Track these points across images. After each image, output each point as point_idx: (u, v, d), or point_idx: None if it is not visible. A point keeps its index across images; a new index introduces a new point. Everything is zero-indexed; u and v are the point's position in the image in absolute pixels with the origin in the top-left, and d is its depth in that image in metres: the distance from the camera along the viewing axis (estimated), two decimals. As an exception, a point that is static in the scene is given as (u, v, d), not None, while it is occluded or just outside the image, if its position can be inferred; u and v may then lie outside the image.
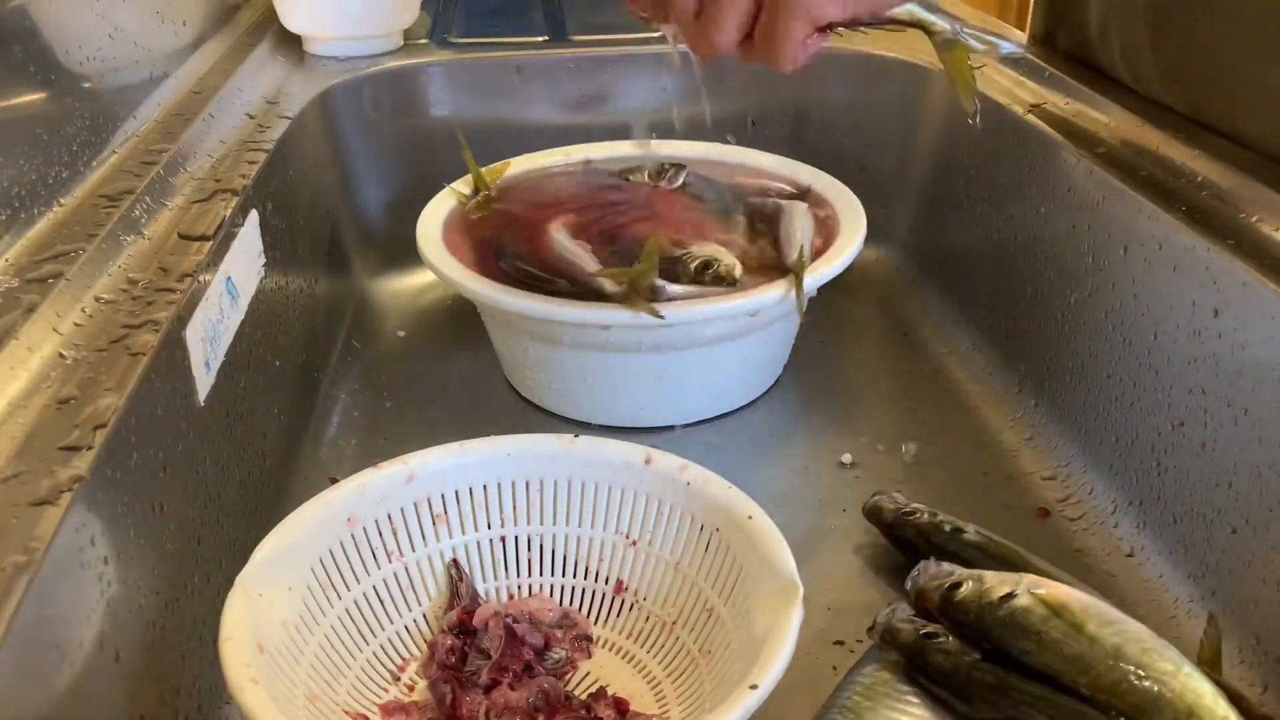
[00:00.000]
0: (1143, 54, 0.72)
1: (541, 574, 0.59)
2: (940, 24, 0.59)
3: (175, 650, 0.50)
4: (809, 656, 0.56)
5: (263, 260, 0.68)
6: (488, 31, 1.03)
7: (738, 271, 0.69)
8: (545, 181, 0.84)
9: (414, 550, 0.57)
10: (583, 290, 0.68)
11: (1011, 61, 0.87)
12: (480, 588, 0.58)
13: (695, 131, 0.89)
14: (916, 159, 0.93)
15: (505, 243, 0.75)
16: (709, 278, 0.69)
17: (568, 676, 0.54)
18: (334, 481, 0.57)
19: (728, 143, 0.87)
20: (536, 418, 0.77)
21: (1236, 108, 0.66)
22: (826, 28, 0.53)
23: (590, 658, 0.56)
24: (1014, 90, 0.82)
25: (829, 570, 0.63)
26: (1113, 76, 0.77)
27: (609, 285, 0.68)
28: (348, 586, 0.54)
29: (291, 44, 0.98)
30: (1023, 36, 0.91)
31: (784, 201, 0.78)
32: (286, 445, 0.71)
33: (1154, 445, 0.63)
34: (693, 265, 0.69)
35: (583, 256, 0.71)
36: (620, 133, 0.92)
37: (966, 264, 0.86)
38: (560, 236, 0.73)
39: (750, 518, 0.53)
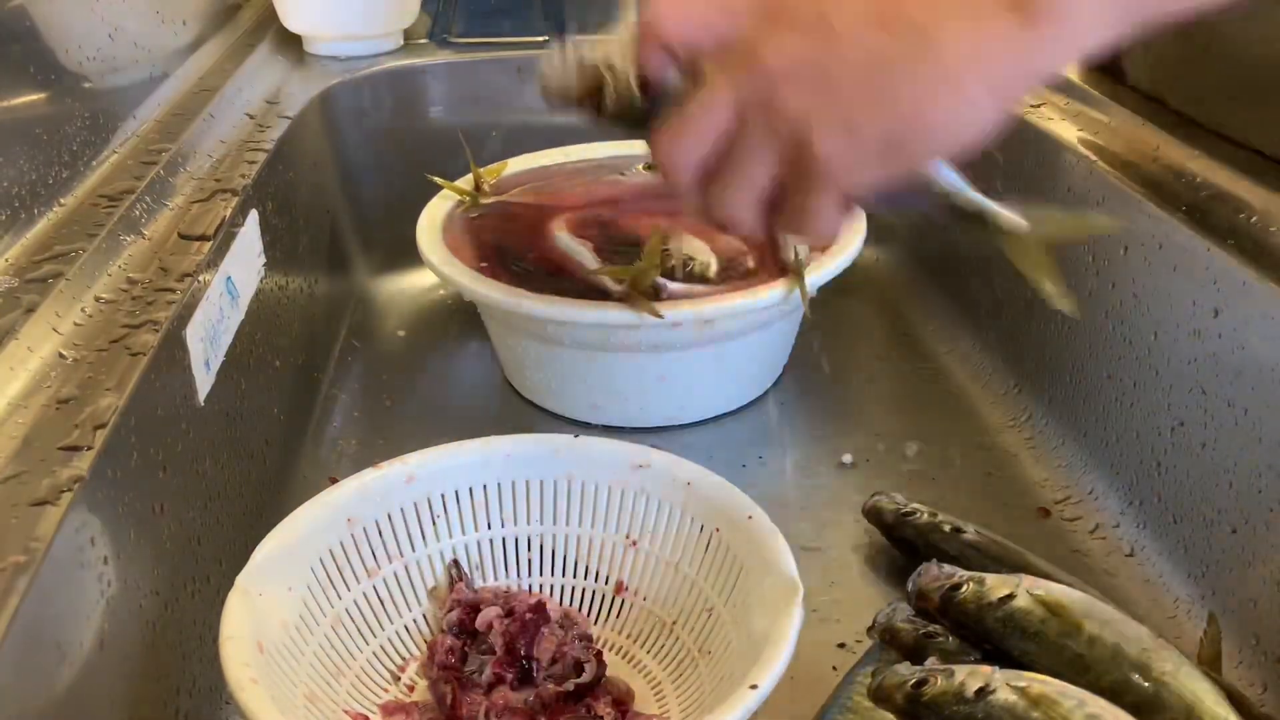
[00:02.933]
0: (1154, 58, 0.72)
1: (541, 574, 0.59)
2: (1005, 215, 0.48)
3: (175, 650, 0.50)
4: (809, 656, 0.56)
5: (263, 260, 0.68)
6: (488, 31, 1.02)
7: (713, 270, 0.70)
8: (545, 180, 0.84)
9: (414, 550, 0.57)
10: (585, 289, 0.68)
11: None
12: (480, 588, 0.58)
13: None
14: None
15: (507, 242, 0.75)
16: (684, 276, 0.69)
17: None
18: (334, 481, 0.57)
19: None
20: (536, 418, 0.77)
21: (1240, 111, 0.65)
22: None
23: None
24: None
25: (829, 570, 0.63)
26: (1120, 78, 0.77)
27: (610, 283, 0.68)
28: (348, 586, 0.54)
29: (291, 44, 0.98)
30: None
31: None
32: (286, 445, 0.71)
33: (1154, 445, 0.62)
34: (670, 263, 0.69)
35: (584, 254, 0.71)
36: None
37: (967, 264, 0.86)
38: (562, 235, 0.73)
39: (750, 518, 0.53)
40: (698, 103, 0.44)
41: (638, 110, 0.48)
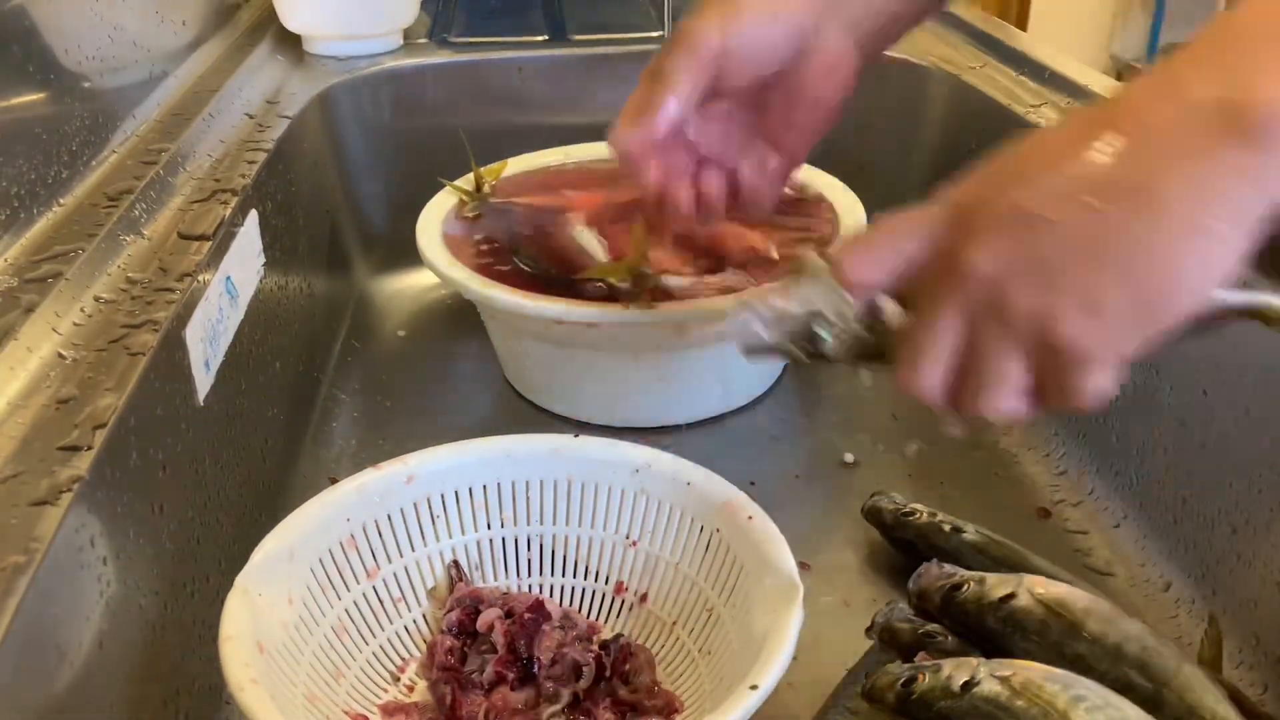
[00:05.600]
0: None
1: (541, 574, 0.59)
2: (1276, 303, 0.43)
3: (175, 650, 0.50)
4: (809, 656, 0.56)
5: (262, 260, 0.68)
6: (488, 31, 1.02)
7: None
8: (549, 181, 0.84)
9: (414, 550, 0.57)
10: (587, 289, 0.68)
11: (1013, 62, 0.87)
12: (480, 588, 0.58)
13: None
14: (916, 159, 0.93)
15: (510, 240, 0.75)
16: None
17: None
18: (334, 481, 0.57)
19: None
20: (536, 418, 0.77)
21: None
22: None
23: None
24: (1014, 90, 0.82)
25: (829, 570, 0.63)
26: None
27: (615, 281, 0.68)
28: (347, 587, 0.54)
29: (291, 44, 0.98)
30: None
31: None
32: (286, 445, 0.71)
33: (1154, 445, 0.62)
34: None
35: (597, 250, 0.71)
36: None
37: (966, 264, 0.85)
38: (582, 230, 0.73)
39: (750, 518, 0.53)
40: (924, 330, 0.44)
41: (869, 346, 0.48)
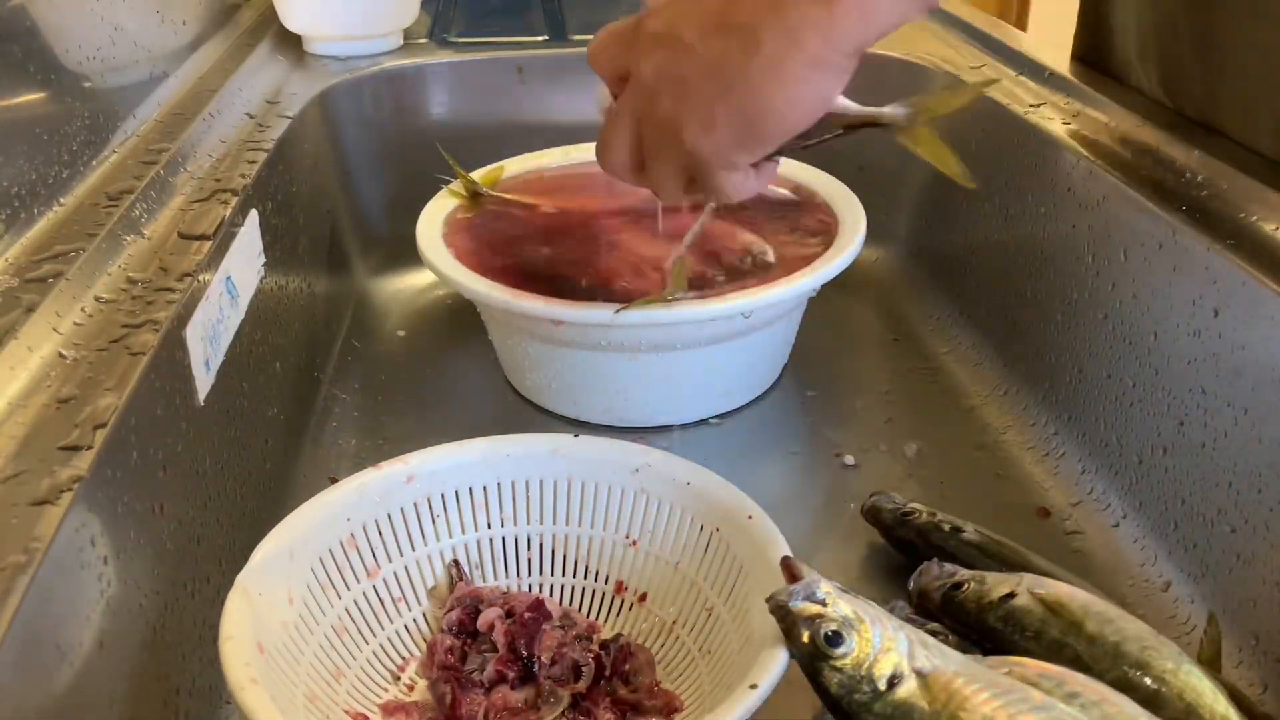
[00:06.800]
0: (1159, 62, 0.72)
1: (541, 574, 0.59)
2: (888, 111, 0.54)
3: (175, 650, 0.50)
4: (809, 656, 0.56)
5: (262, 260, 0.68)
6: (488, 31, 1.03)
7: (771, 256, 0.72)
8: (548, 182, 0.84)
9: (414, 550, 0.57)
10: (587, 289, 0.68)
11: (1013, 63, 0.87)
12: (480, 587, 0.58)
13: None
14: (917, 159, 0.93)
15: (512, 241, 0.75)
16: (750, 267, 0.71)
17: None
18: (334, 481, 0.57)
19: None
20: (536, 418, 0.77)
21: (1248, 114, 0.65)
22: (765, 159, 0.52)
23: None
24: (1014, 90, 0.82)
25: (829, 570, 0.62)
26: (1125, 82, 0.77)
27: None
28: (347, 586, 0.54)
29: (291, 44, 0.98)
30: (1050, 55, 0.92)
31: None
32: (286, 445, 0.71)
33: (1154, 445, 0.62)
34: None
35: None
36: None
37: (966, 264, 0.86)
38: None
39: (750, 518, 0.53)
40: (607, 117, 0.54)
41: None
